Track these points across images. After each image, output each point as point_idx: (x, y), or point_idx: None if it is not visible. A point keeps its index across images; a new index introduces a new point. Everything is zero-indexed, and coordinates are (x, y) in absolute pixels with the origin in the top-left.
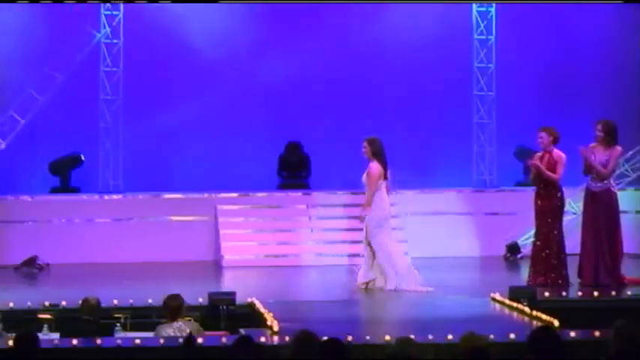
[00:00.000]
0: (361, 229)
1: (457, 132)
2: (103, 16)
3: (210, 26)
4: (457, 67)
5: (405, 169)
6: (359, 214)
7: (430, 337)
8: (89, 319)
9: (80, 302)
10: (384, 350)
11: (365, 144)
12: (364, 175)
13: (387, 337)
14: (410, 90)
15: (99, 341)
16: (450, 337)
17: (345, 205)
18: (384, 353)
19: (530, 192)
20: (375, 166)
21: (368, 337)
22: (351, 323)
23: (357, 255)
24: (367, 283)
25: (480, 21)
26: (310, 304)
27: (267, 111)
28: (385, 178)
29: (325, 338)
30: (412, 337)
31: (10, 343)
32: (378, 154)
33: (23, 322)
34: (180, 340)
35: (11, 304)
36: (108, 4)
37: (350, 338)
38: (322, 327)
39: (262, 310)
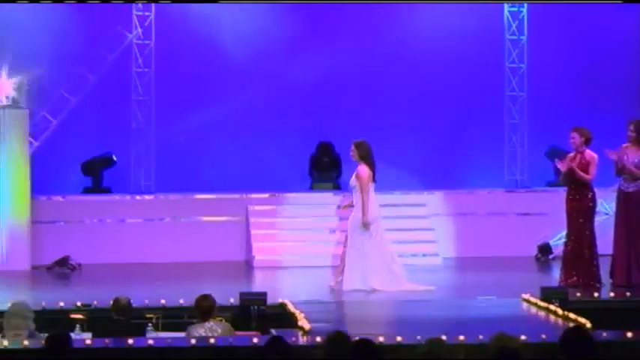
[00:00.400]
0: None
1: (489, 132)
2: (134, 16)
3: (241, 26)
4: (489, 67)
5: (436, 170)
6: (362, 221)
7: (461, 337)
8: (121, 318)
9: (111, 302)
10: (415, 350)
11: (352, 147)
12: (352, 179)
13: (418, 338)
14: (441, 90)
15: (130, 341)
16: (480, 337)
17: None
18: (415, 353)
19: (561, 192)
20: (364, 169)
21: (399, 338)
22: (382, 324)
23: None
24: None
25: (511, 21)
26: (341, 305)
27: (299, 111)
28: (374, 180)
29: (356, 339)
30: (443, 337)
31: (42, 342)
32: (366, 157)
33: (55, 322)
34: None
35: (44, 304)
36: (139, 5)
37: (381, 339)
38: (353, 327)
39: (293, 310)
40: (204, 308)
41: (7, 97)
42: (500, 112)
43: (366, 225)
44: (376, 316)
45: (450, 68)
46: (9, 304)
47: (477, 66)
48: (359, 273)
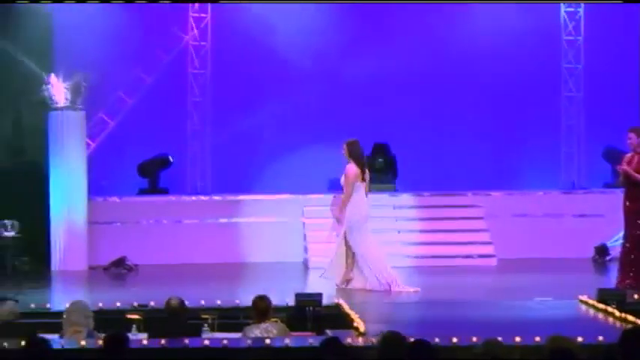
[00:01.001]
0: (451, 231)
1: (545, 133)
2: (190, 18)
3: (297, 27)
4: (545, 68)
5: (492, 171)
6: (335, 215)
7: (517, 339)
8: (177, 319)
9: (165, 303)
10: (471, 351)
11: (344, 146)
12: (342, 177)
13: (474, 339)
14: (497, 90)
15: (186, 341)
16: (537, 338)
17: (432, 207)
18: (472, 354)
19: (619, 193)
20: (351, 168)
21: (455, 339)
22: (437, 324)
23: (445, 256)
24: (348, 282)
25: (568, 22)
26: (397, 305)
27: (354, 112)
28: (363, 179)
29: (412, 340)
30: (499, 338)
31: (100, 342)
32: (356, 156)
33: (112, 322)
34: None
35: (100, 305)
36: (196, 6)
37: (437, 339)
38: (409, 328)
39: (348, 311)
40: (261, 309)
41: (65, 99)
42: (556, 113)
43: (339, 220)
44: (431, 317)
45: (506, 69)
46: (68, 304)
47: (533, 66)
48: (370, 272)
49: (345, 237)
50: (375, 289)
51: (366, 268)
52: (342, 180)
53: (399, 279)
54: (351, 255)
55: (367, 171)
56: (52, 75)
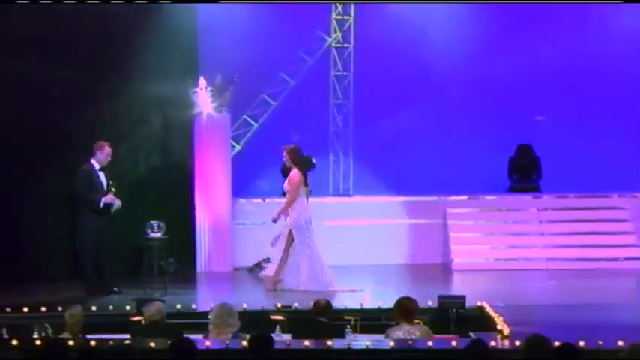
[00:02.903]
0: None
1: None
2: (333, 20)
3: (439, 28)
4: None
5: (638, 172)
6: (274, 217)
7: None
8: (321, 320)
9: (312, 304)
10: (616, 355)
11: (284, 153)
12: (286, 183)
13: (620, 343)
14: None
15: (330, 343)
16: None
17: (577, 209)
18: (617, 358)
19: None
20: (295, 174)
21: (600, 342)
22: (581, 327)
23: (589, 259)
24: (277, 283)
25: None
26: (541, 308)
27: (497, 113)
28: (305, 185)
29: (557, 343)
30: None
31: (244, 343)
32: (298, 163)
33: (256, 322)
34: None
35: (245, 305)
36: (339, 9)
37: (581, 342)
38: (553, 331)
39: (492, 313)
40: (406, 310)
41: (211, 104)
42: None
43: (274, 221)
44: (575, 320)
45: None
46: (213, 305)
47: None
48: (296, 272)
49: (289, 239)
50: (310, 290)
51: (319, 269)
52: (286, 186)
53: (334, 279)
54: (284, 257)
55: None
56: (201, 78)
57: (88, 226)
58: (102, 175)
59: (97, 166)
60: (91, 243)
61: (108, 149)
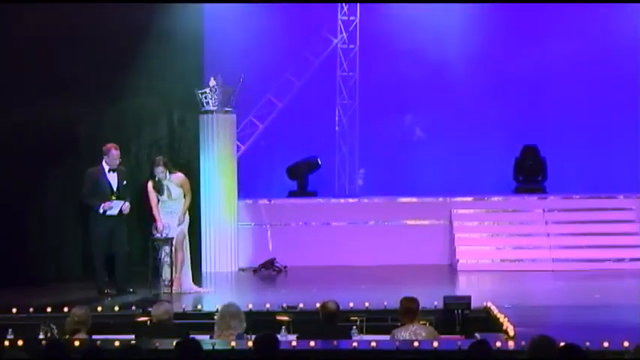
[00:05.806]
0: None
1: None
2: (339, 21)
3: (444, 29)
4: None
5: None
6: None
7: None
8: (330, 322)
9: (319, 306)
10: (622, 356)
11: (160, 162)
12: (179, 187)
13: (626, 344)
14: None
15: (336, 343)
16: None
17: (583, 210)
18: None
19: None
20: (184, 176)
21: (606, 344)
22: (587, 328)
23: (596, 260)
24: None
25: None
26: (547, 309)
27: (503, 114)
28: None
29: (562, 344)
30: None
31: (250, 344)
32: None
33: (262, 323)
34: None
35: (250, 306)
36: (345, 10)
37: (587, 344)
38: (559, 332)
39: (498, 314)
40: (409, 311)
41: (217, 103)
42: None
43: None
44: (581, 321)
45: None
46: (220, 306)
47: None
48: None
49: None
50: (190, 291)
51: (188, 270)
52: (185, 188)
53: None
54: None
55: None
56: (212, 79)
57: (99, 227)
58: (114, 177)
59: (106, 168)
60: (102, 244)
61: (115, 152)
